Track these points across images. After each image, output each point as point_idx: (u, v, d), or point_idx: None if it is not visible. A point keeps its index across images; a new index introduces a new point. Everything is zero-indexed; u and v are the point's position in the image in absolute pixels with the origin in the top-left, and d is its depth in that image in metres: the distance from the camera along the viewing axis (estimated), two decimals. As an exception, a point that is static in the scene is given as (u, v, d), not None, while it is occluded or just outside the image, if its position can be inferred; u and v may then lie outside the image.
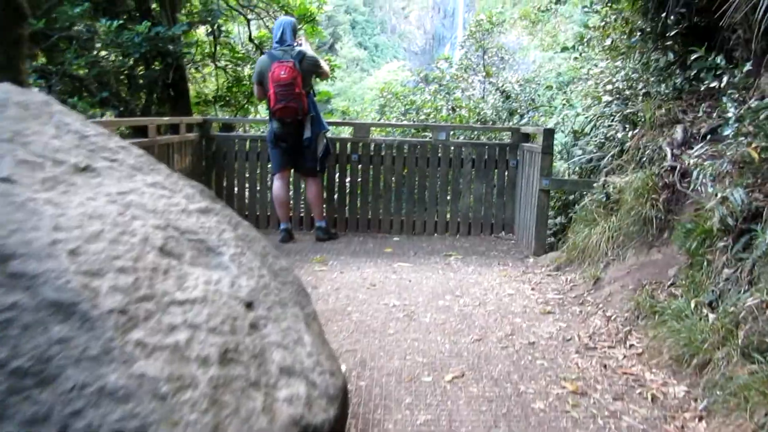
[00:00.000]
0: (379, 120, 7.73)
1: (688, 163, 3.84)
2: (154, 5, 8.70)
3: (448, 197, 6.15)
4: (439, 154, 6.05)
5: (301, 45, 5.70)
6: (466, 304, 3.83)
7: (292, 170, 5.79)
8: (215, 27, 8.38)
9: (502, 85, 7.61)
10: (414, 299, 3.92)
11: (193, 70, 9.54)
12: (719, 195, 3.07)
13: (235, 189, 6.16)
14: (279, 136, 5.45)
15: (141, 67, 8.64)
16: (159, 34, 7.04)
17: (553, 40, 13.77)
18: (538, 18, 12.62)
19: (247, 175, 6.15)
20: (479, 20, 9.85)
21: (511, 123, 7.32)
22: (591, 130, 6.55)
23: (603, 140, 6.07)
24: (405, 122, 6.72)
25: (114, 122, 4.28)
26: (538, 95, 7.50)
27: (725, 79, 3.74)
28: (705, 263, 3.13)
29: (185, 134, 5.58)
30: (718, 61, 3.86)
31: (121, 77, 8.29)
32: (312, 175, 5.62)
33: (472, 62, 9.67)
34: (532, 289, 4.17)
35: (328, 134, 5.80)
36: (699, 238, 3.21)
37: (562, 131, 6.62)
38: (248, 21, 11.89)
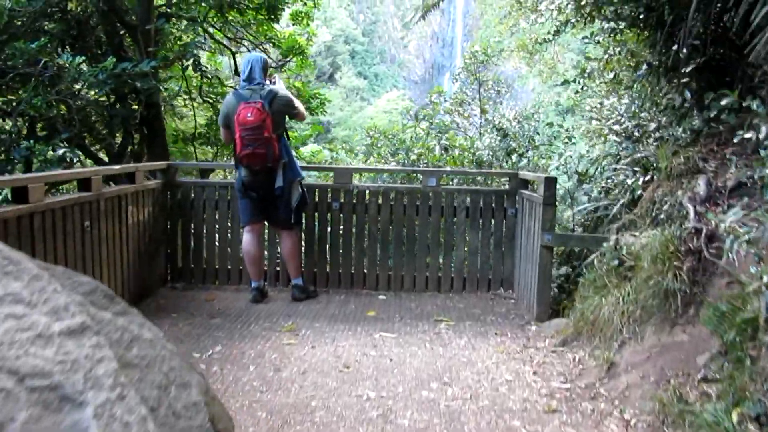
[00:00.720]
0: (366, 161, 7.18)
1: (716, 225, 3.24)
2: (129, 40, 8.20)
3: (440, 249, 5.54)
4: (430, 202, 5.46)
5: (273, 83, 5.16)
6: (455, 396, 3.19)
7: (265, 222, 5.20)
8: (191, 61, 7.82)
9: (499, 122, 7.05)
10: (393, 389, 3.28)
11: (171, 107, 9.03)
12: (765, 278, 2.46)
13: (204, 242, 5.56)
14: (247, 185, 4.88)
15: (117, 104, 8.14)
16: (126, 71, 6.51)
17: (551, 71, 13.29)
18: (536, 49, 12.15)
19: (217, 227, 5.55)
20: (474, 51, 9.35)
21: (509, 164, 6.74)
22: (596, 173, 5.97)
23: (610, 186, 5.49)
24: (391, 166, 6.16)
25: (41, 177, 3.71)
26: (538, 133, 6.94)
27: (764, 129, 3.14)
28: (748, 360, 2.51)
29: (144, 182, 5.00)
30: (754, 105, 3.26)
31: (98, 115, 7.78)
32: (286, 227, 5.02)
33: (467, 96, 9.14)
34: (534, 372, 3.53)
35: (306, 180, 5.22)
36: (739, 328, 2.60)
37: (566, 173, 6.04)
38: (233, 54, 11.45)
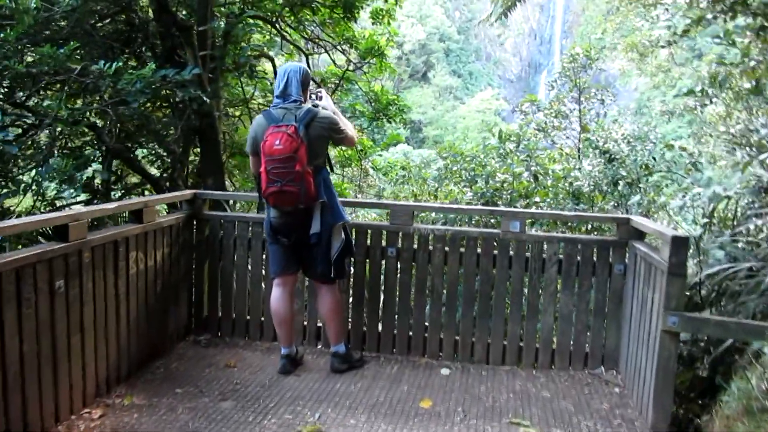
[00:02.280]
0: (436, 190, 6.02)
1: None
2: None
3: (523, 313, 4.33)
4: (511, 252, 4.25)
5: (318, 98, 4.13)
6: None
7: (300, 273, 4.18)
8: (246, 67, 6.95)
9: (604, 143, 5.71)
10: None
11: (227, 117, 8.24)
12: None
13: (234, 288, 4.62)
14: (277, 228, 3.87)
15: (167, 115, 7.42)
16: (167, 79, 5.69)
17: (665, 76, 11.57)
18: (648, 50, 10.53)
19: (249, 271, 4.60)
20: (574, 54, 7.97)
21: (615, 195, 5.39)
22: (735, 218, 4.57)
23: (759, 240, 4.10)
24: (463, 206, 4.96)
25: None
26: (654, 158, 5.54)
27: None
28: None
29: (156, 220, 4.10)
30: None
31: (145, 126, 7.07)
32: (325, 281, 3.97)
33: (565, 108, 7.80)
34: None
35: (358, 218, 4.16)
36: None
37: (693, 218, 4.67)
38: (307, 56, 10.59)
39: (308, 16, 10.13)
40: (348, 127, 4.03)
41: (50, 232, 3.27)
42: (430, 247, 4.32)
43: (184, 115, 7.19)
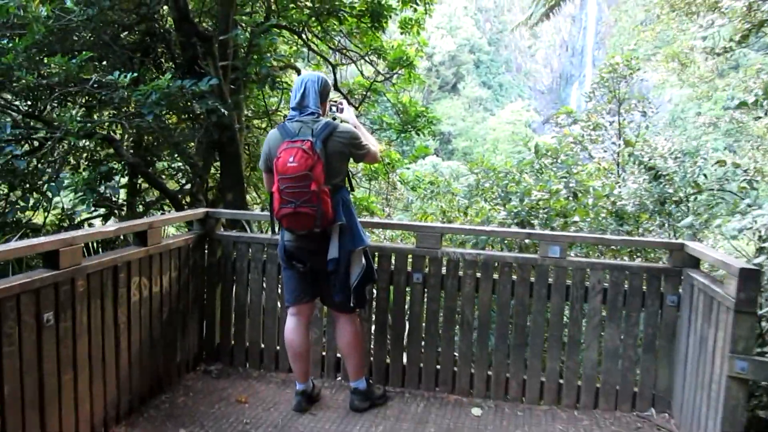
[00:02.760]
0: (466, 208, 5.61)
1: None
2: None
3: (563, 347, 3.91)
4: (550, 279, 3.85)
5: (339, 110, 3.80)
6: None
7: (317, 302, 3.84)
8: (268, 78, 6.66)
9: (649, 159, 5.26)
10: None
11: (248, 130, 7.97)
12: None
13: (248, 314, 4.28)
14: (291, 253, 3.53)
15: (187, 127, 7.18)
16: (183, 90, 5.43)
17: (709, 86, 11.00)
18: (689, 60, 10.02)
19: (264, 296, 4.26)
20: (613, 63, 7.53)
21: (661, 219, 4.94)
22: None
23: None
24: (495, 227, 4.52)
25: None
26: (705, 175, 5.07)
27: None
28: None
29: (163, 242, 3.79)
30: None
31: (164, 139, 6.83)
32: (344, 311, 3.61)
33: (603, 121, 7.36)
34: None
35: (380, 241, 3.80)
36: None
37: (751, 241, 4.21)
38: (333, 67, 10.31)
39: (335, 26, 9.86)
40: (371, 142, 3.68)
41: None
42: (460, 273, 3.94)
43: (205, 127, 6.96)
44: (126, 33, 6.96)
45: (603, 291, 3.80)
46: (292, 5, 9.26)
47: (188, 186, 7.33)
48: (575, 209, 4.97)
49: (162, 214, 7.50)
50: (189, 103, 5.67)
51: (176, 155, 7.13)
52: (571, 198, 5.01)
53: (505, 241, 4.80)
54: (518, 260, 3.89)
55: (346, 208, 3.47)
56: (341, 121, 3.67)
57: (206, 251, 4.29)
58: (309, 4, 9.14)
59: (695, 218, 4.55)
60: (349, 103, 9.82)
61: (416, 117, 10.63)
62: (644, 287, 3.77)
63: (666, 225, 4.91)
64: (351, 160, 3.61)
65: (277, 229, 3.62)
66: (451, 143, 64.62)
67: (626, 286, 3.77)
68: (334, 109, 3.83)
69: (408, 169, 10.93)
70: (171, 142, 6.47)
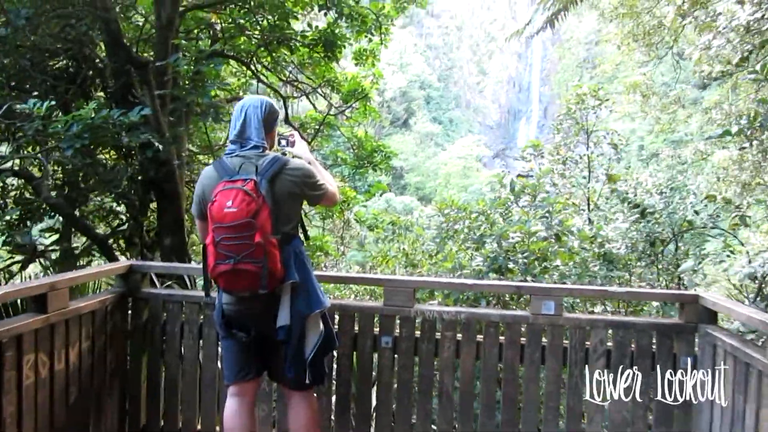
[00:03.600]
0: (435, 255, 4.98)
1: None
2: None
3: (562, 420, 3.29)
4: (544, 341, 3.24)
5: (289, 143, 3.17)
6: None
7: (264, 377, 3.13)
8: (212, 110, 5.98)
9: (635, 195, 4.78)
10: None
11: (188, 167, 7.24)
12: None
13: (180, 390, 3.52)
14: (231, 319, 2.83)
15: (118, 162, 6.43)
16: (110, 121, 4.71)
17: (671, 118, 10.80)
18: (652, 91, 9.80)
19: (200, 368, 3.52)
20: (581, 94, 7.14)
21: (655, 260, 4.43)
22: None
23: None
24: (480, 281, 3.89)
25: None
26: (697, 212, 4.61)
27: None
28: None
29: (82, 301, 3.05)
30: None
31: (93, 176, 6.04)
32: (298, 388, 2.90)
33: (573, 154, 6.92)
34: None
35: (340, 299, 3.13)
36: None
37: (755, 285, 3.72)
38: (284, 99, 9.69)
39: (286, 57, 9.29)
40: (328, 180, 3.04)
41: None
42: (438, 335, 3.30)
43: (139, 163, 6.21)
44: (51, 58, 6.20)
45: (606, 353, 3.22)
46: (240, 34, 8.67)
47: (123, 228, 6.54)
48: (558, 253, 4.42)
49: (94, 261, 6.67)
50: (118, 136, 4.93)
51: (108, 194, 6.35)
52: (552, 240, 4.46)
53: (490, 300, 4.19)
54: (506, 318, 3.27)
55: (300, 263, 2.80)
56: (292, 156, 3.04)
57: (130, 313, 3.54)
58: (257, 34, 8.57)
59: (696, 262, 4.05)
60: (302, 137, 9.20)
61: (372, 152, 10.09)
62: (654, 349, 3.20)
63: (656, 268, 4.40)
64: (305, 202, 2.96)
65: (212, 291, 2.91)
66: (403, 178, 64.77)
67: (633, 347, 3.20)
68: (283, 142, 3.19)
69: (364, 207, 10.31)
70: (102, 179, 5.69)
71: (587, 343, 3.23)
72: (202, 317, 3.50)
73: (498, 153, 79.64)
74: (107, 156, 6.68)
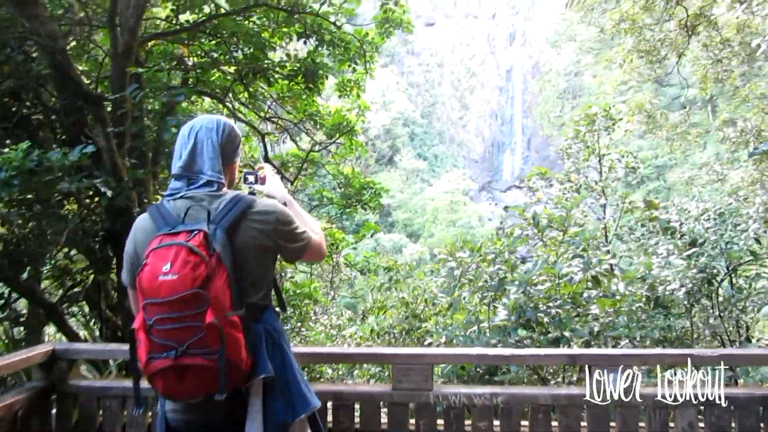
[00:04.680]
0: (447, 311, 4.07)
1: None
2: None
3: None
4: (613, 426, 2.40)
5: (258, 180, 2.36)
6: None
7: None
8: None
9: (681, 224, 3.99)
10: None
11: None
12: None
13: None
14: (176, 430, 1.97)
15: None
16: (45, 164, 3.89)
17: (680, 138, 10.13)
18: (657, 110, 9.16)
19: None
20: (591, 114, 6.43)
21: (716, 303, 3.62)
22: None
23: None
24: (520, 352, 3.04)
25: None
26: (755, 239, 3.82)
27: None
28: None
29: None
30: None
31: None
32: None
33: (588, 181, 6.18)
34: None
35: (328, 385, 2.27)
36: None
37: None
38: (263, 136, 8.93)
39: (264, 91, 8.55)
40: (311, 227, 2.21)
41: None
42: (468, 428, 2.44)
43: (95, 212, 5.39)
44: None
45: (698, 440, 2.38)
46: (213, 68, 7.94)
47: (77, 290, 5.65)
48: (597, 298, 3.60)
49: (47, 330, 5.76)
50: (57, 182, 4.10)
51: (60, 251, 5.49)
52: (591, 283, 3.65)
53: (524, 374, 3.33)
54: (559, 400, 2.43)
55: (276, 347, 1.95)
56: (261, 196, 2.23)
57: (54, 412, 2.65)
58: (232, 68, 7.84)
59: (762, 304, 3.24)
60: (279, 172, 8.40)
61: (361, 189, 9.28)
62: (762, 428, 2.37)
63: (719, 313, 3.59)
64: (280, 258, 2.13)
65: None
66: (391, 216, 64.25)
67: (734, 426, 2.37)
68: (250, 178, 2.37)
69: (354, 249, 9.47)
70: (40, 233, 4.83)
71: (671, 426, 2.39)
72: (150, 414, 2.62)
73: (484, 186, 79.54)
74: (71, 208, 5.83)
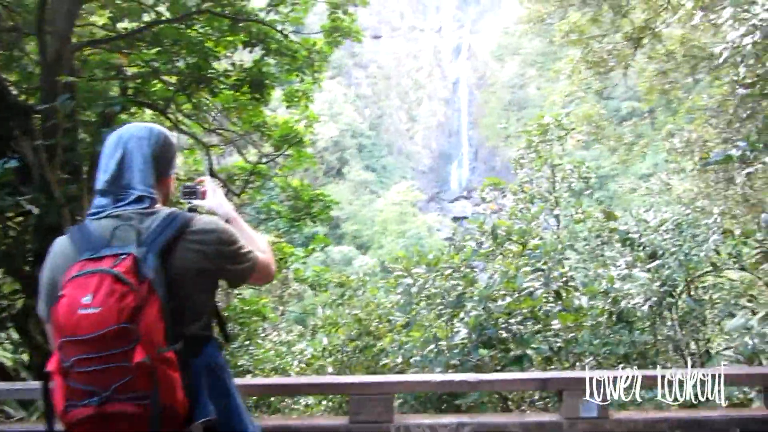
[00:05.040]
0: (406, 326, 3.87)
1: None
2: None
3: None
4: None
5: (198, 195, 2.13)
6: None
7: None
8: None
9: (640, 235, 3.91)
10: None
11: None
12: None
13: None
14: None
15: None
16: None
17: (626, 150, 10.26)
18: (604, 121, 9.26)
19: None
20: (544, 124, 6.39)
21: (677, 317, 3.54)
22: None
23: None
24: (487, 377, 2.79)
25: None
26: (715, 251, 3.78)
27: None
28: None
29: None
30: None
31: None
32: None
33: (540, 191, 6.12)
34: None
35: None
36: None
37: None
38: (207, 149, 8.60)
39: (208, 102, 8.23)
40: (258, 245, 1.99)
41: None
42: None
43: (23, 231, 5.00)
44: None
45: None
46: (154, 79, 7.60)
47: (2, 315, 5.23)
48: (559, 316, 3.47)
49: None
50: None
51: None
52: (553, 298, 3.52)
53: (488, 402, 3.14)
54: (529, 428, 2.26)
55: (218, 384, 1.72)
56: (202, 212, 2.00)
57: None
58: (174, 79, 7.52)
59: (746, 317, 3.18)
60: (224, 186, 8.07)
61: (310, 202, 9.04)
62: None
63: (682, 327, 3.52)
64: (221, 281, 1.90)
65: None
66: (340, 227, 64.00)
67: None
68: (189, 193, 2.14)
69: (304, 263, 9.20)
70: None
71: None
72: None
73: (432, 197, 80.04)
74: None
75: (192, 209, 2.08)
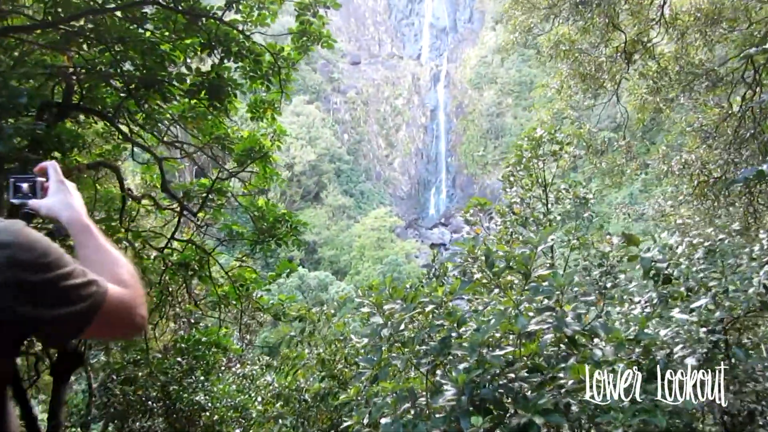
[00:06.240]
0: (374, 381, 3.03)
1: None
2: None
3: None
4: None
5: (36, 190, 1.25)
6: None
7: None
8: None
9: (668, 265, 3.11)
10: None
11: None
12: None
13: None
14: None
15: None
16: None
17: (619, 170, 9.57)
18: (595, 142, 8.57)
19: None
20: (536, 137, 5.63)
21: (729, 369, 2.74)
22: None
23: None
24: None
25: None
26: (765, 286, 3.00)
27: None
28: None
29: None
30: None
31: None
32: None
33: (534, 211, 5.33)
34: None
35: None
36: None
37: None
38: (159, 161, 7.71)
39: (160, 110, 7.35)
40: (117, 273, 1.13)
41: None
42: None
43: None
44: None
45: None
46: (101, 82, 6.75)
47: None
48: (572, 366, 2.63)
49: None
50: None
51: None
52: (562, 346, 2.69)
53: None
54: None
55: None
56: (28, 223, 1.14)
57: None
58: (121, 81, 6.66)
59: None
60: (75, 179, 7.26)
61: (276, 223, 8.12)
62: None
63: (729, 385, 2.70)
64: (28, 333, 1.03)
65: None
66: (316, 252, 63.03)
67: None
68: (24, 187, 1.30)
69: (268, 291, 8.28)
70: None
71: None
72: None
73: (410, 223, 79.45)
74: None
75: (26, 214, 1.25)
